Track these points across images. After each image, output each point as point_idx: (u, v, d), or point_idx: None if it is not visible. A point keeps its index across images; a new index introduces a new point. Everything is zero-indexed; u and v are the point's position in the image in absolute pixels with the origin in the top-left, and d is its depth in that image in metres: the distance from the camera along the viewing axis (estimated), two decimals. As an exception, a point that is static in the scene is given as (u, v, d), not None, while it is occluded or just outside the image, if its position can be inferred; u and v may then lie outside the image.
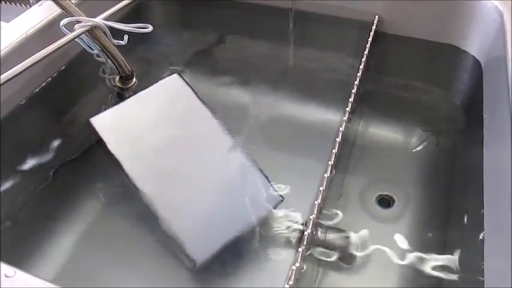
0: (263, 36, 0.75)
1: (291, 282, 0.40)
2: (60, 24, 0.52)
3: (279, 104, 0.65)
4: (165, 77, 0.61)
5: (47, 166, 0.55)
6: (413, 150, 0.59)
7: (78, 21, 0.53)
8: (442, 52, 0.69)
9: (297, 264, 0.40)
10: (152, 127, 0.56)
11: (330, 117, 0.62)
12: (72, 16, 0.53)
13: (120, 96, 0.63)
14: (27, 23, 0.59)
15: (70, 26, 0.53)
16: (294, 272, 0.39)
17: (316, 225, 0.48)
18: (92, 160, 0.57)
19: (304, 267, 0.43)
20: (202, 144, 0.55)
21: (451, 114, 0.64)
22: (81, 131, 0.59)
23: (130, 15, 0.70)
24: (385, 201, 0.54)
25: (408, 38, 0.70)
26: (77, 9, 0.53)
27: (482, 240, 0.45)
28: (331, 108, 0.63)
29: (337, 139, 0.51)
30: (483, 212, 0.47)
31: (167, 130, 0.56)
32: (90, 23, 0.53)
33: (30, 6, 0.63)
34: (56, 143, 0.57)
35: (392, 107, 0.66)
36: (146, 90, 0.59)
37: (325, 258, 0.48)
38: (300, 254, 0.41)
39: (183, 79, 0.61)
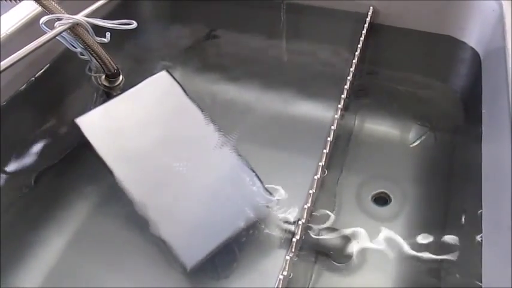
0: (254, 30, 0.74)
1: (278, 291, 0.39)
2: (40, 22, 0.51)
3: (271, 101, 0.63)
4: (153, 75, 0.59)
5: (31, 169, 0.54)
6: (411, 146, 0.58)
7: (59, 19, 0.51)
8: (439, 43, 0.68)
9: (285, 273, 0.38)
10: (140, 126, 0.55)
11: (323, 114, 0.60)
12: (52, 13, 0.51)
13: (107, 95, 0.61)
14: (8, 20, 0.57)
15: (50, 24, 0.51)
16: (281, 281, 0.38)
17: (307, 229, 0.47)
18: (78, 162, 0.56)
19: (291, 274, 0.42)
20: (192, 144, 0.54)
21: (450, 108, 0.63)
22: (67, 131, 0.57)
23: (117, 11, 0.69)
24: (382, 200, 0.53)
25: (404, 29, 0.69)
26: (57, 6, 0.51)
27: (480, 243, 0.44)
28: (324, 105, 0.62)
29: (329, 138, 0.49)
30: (481, 212, 0.46)
31: (156, 129, 0.55)
32: (71, 21, 0.51)
33: (20, 1, 0.61)
34: (40, 145, 0.56)
35: (388, 101, 0.64)
36: (133, 88, 0.58)
37: (319, 259, 0.46)
38: (288, 261, 0.40)
39: (172, 76, 0.59)
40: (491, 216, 0.44)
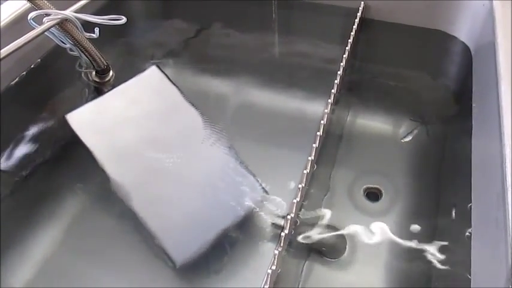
0: (245, 26, 0.73)
1: (267, 286, 0.38)
2: (28, 18, 0.50)
3: (262, 96, 0.63)
4: (143, 70, 0.59)
5: (21, 165, 0.53)
6: (402, 141, 0.58)
7: (47, 14, 0.51)
8: (430, 38, 0.68)
9: (273, 268, 0.38)
10: (131, 122, 0.55)
11: (314, 109, 0.60)
12: (41, 9, 0.50)
13: (98, 91, 0.61)
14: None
15: (39, 19, 0.51)
16: (269, 276, 0.38)
17: (296, 223, 0.47)
18: (68, 158, 0.55)
19: (280, 269, 0.42)
20: (183, 140, 0.54)
21: (441, 103, 0.63)
22: (57, 128, 0.57)
23: (107, 7, 0.68)
24: (373, 194, 0.53)
25: (395, 24, 0.69)
26: (46, 2, 0.51)
27: (469, 237, 0.44)
28: (315, 100, 0.61)
29: (318, 133, 0.49)
30: (470, 207, 0.46)
31: (146, 125, 0.55)
32: (59, 16, 0.51)
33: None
34: (30, 141, 0.56)
35: (380, 96, 0.64)
36: (124, 84, 0.58)
37: (310, 254, 0.46)
38: (276, 256, 0.39)
39: (163, 72, 0.59)
40: (480, 210, 0.44)
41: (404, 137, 0.58)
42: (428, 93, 0.64)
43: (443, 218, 0.49)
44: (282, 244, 0.41)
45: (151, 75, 0.59)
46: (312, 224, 0.48)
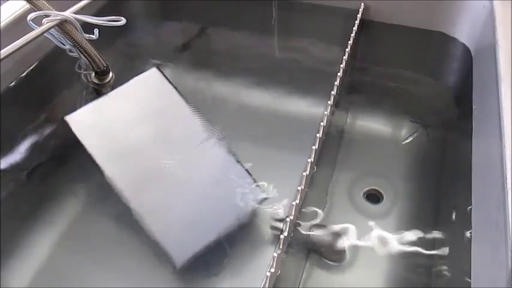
0: (246, 27, 0.73)
1: (266, 288, 0.38)
2: (28, 19, 0.50)
3: (262, 98, 0.63)
4: (143, 72, 0.59)
5: (20, 167, 0.53)
6: (403, 143, 0.57)
7: (47, 15, 0.51)
8: (430, 40, 0.68)
9: (272, 270, 0.38)
10: (130, 124, 0.55)
11: (314, 111, 0.60)
12: (40, 10, 0.50)
13: (97, 92, 0.61)
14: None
15: (38, 21, 0.51)
16: (268, 278, 0.38)
17: (296, 225, 0.47)
18: (68, 160, 0.55)
19: (279, 272, 0.42)
20: (182, 141, 0.54)
21: (441, 105, 0.63)
22: (57, 129, 0.57)
23: (107, 8, 0.68)
24: (374, 196, 0.52)
25: (396, 25, 0.69)
26: (45, 3, 0.51)
27: (470, 239, 0.43)
28: (315, 101, 0.61)
29: (318, 135, 0.49)
30: (471, 209, 0.46)
31: (146, 127, 0.55)
32: (59, 17, 0.51)
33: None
34: (30, 142, 0.56)
35: (380, 98, 0.64)
36: (124, 85, 0.58)
37: (310, 257, 0.46)
38: (275, 259, 0.39)
39: (162, 73, 0.59)
40: (480, 212, 0.44)
41: (405, 138, 0.58)
42: (428, 94, 0.64)
43: (444, 220, 0.49)
44: (281, 246, 0.41)
45: (151, 76, 0.59)
46: (311, 226, 0.48)
